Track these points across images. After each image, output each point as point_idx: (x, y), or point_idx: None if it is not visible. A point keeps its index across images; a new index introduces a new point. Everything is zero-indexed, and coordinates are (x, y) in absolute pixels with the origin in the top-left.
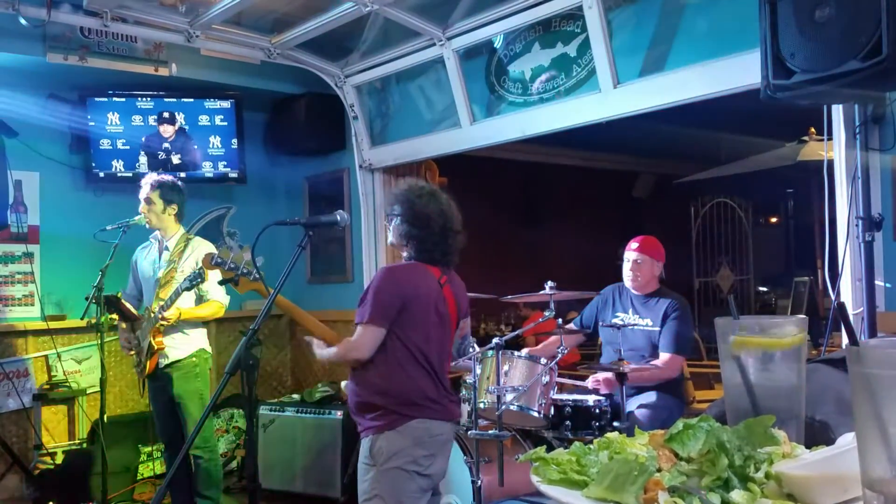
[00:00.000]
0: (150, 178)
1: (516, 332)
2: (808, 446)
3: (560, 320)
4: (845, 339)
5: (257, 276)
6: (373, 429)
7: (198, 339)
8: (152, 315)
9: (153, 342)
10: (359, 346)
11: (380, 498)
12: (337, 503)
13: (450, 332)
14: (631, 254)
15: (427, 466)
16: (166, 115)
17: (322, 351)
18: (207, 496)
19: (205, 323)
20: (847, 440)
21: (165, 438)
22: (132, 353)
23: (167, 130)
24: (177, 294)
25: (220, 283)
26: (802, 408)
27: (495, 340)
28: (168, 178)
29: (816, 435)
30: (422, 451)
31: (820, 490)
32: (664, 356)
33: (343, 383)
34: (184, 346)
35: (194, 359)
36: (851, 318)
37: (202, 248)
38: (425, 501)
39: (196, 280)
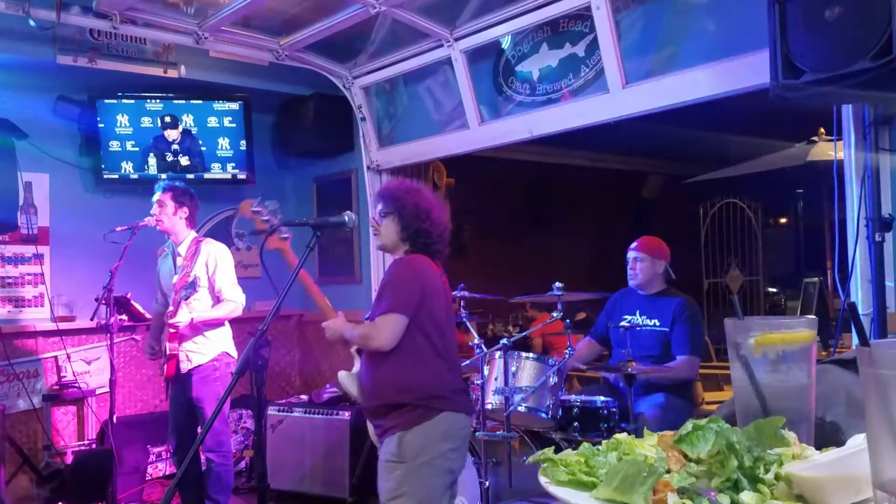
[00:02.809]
0: (163, 182)
1: (524, 333)
2: (819, 447)
3: (568, 321)
4: (855, 340)
5: (285, 236)
6: (400, 426)
7: (220, 343)
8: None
9: (168, 347)
10: (382, 333)
11: (408, 496)
12: (345, 503)
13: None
14: (631, 253)
15: (454, 460)
16: (168, 119)
17: (345, 326)
18: (216, 499)
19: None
20: (858, 441)
21: (176, 439)
22: (154, 358)
23: (171, 135)
24: (177, 304)
25: (253, 233)
26: (812, 409)
27: (503, 341)
28: (180, 183)
29: (827, 436)
30: (449, 445)
31: (830, 491)
32: (680, 358)
33: (341, 374)
34: (205, 351)
35: (215, 363)
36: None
37: (212, 248)
38: (448, 498)
39: (189, 290)
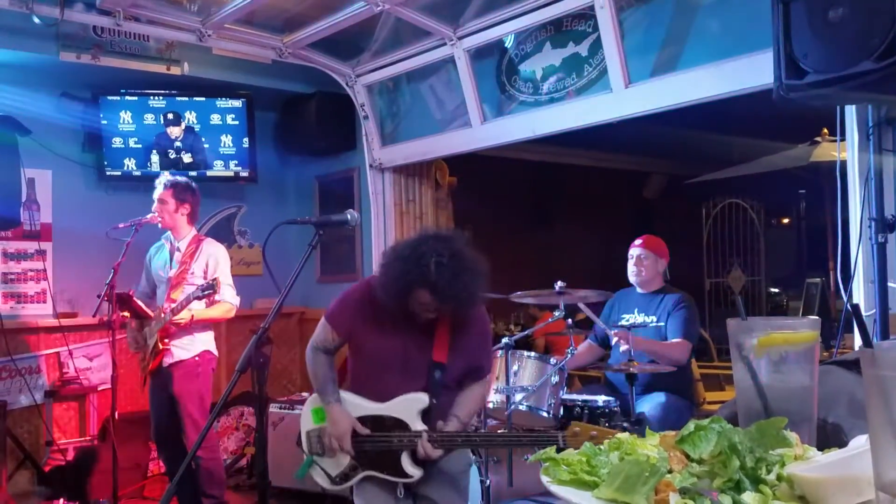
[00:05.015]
0: (164, 178)
1: (526, 332)
2: (821, 448)
3: (570, 320)
4: (857, 341)
5: None
6: None
7: (203, 341)
8: (163, 316)
9: (159, 342)
10: None
11: None
12: (346, 501)
13: None
14: (635, 250)
15: None
16: (171, 116)
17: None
18: (212, 494)
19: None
20: (860, 442)
21: (158, 436)
22: (138, 351)
23: (174, 132)
24: (188, 300)
25: None
26: (815, 410)
27: (504, 340)
28: (182, 178)
29: (829, 437)
30: None
31: (833, 492)
32: (673, 340)
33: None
34: (189, 347)
35: (197, 359)
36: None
37: (213, 249)
38: None
39: (208, 290)
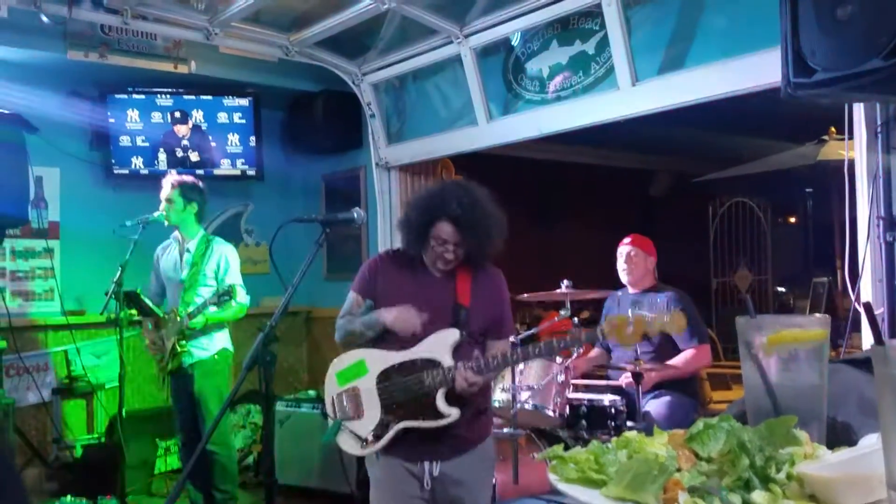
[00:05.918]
0: (171, 178)
1: (531, 332)
2: (831, 447)
3: (575, 319)
4: (865, 340)
5: None
6: (488, 428)
7: (221, 340)
8: (179, 318)
9: (177, 345)
10: None
11: None
12: (352, 498)
13: None
14: (624, 248)
15: None
16: (178, 114)
17: None
18: (223, 490)
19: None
20: (870, 441)
21: (184, 434)
22: (156, 353)
23: (181, 130)
24: (204, 306)
25: None
26: (824, 408)
27: (510, 339)
28: (189, 177)
29: (839, 436)
30: None
31: (843, 491)
32: (689, 351)
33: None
34: (208, 347)
35: (216, 356)
36: None
37: (223, 250)
38: None
39: (224, 297)
